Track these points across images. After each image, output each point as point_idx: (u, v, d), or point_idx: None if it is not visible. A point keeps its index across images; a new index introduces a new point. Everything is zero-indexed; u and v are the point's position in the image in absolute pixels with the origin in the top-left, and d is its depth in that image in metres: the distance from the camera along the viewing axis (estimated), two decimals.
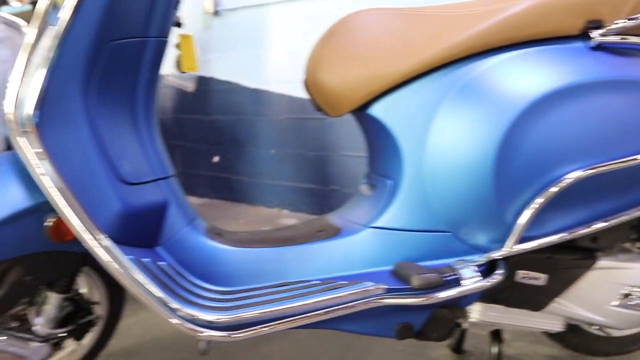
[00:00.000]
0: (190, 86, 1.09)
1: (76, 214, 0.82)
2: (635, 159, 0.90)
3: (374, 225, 1.00)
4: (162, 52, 0.99)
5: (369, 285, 0.92)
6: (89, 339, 1.13)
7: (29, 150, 0.79)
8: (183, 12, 3.01)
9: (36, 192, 0.87)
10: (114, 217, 0.87)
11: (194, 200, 3.13)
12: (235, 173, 3.01)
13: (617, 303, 1.02)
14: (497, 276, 0.92)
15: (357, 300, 0.91)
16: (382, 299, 0.91)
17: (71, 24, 0.79)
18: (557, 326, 1.05)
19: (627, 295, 1.02)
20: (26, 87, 0.78)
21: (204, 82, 3.05)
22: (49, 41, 0.78)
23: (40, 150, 0.80)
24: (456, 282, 0.91)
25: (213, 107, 3.04)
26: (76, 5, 0.78)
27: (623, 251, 1.05)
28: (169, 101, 3.27)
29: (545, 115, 0.89)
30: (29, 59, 0.78)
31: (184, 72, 1.05)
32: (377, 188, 1.05)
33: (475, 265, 0.93)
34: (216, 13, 2.90)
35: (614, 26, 0.91)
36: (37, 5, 0.78)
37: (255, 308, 0.89)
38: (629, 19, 0.91)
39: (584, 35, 0.93)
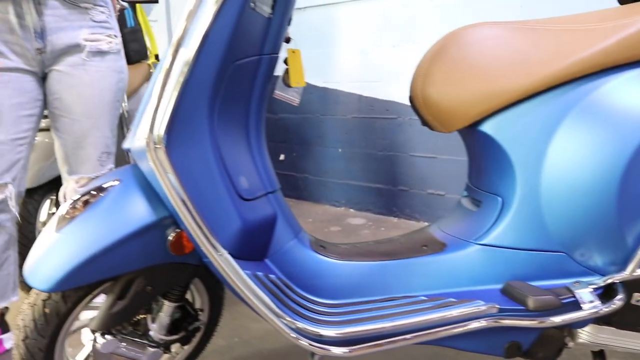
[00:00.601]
0: (297, 100, 1.10)
1: (201, 230, 0.85)
2: None
3: (482, 242, 0.99)
4: (273, 67, 1.00)
5: (481, 305, 0.91)
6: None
7: (159, 168, 0.83)
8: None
9: (159, 207, 0.90)
10: (234, 232, 0.90)
11: None
12: (300, 171, 3.04)
13: None
14: (618, 302, 0.88)
15: (470, 320, 0.90)
16: (496, 319, 0.90)
17: (201, 48, 0.82)
18: None
19: None
20: (160, 107, 0.82)
21: None
22: (180, 65, 0.81)
23: (170, 167, 0.83)
24: (574, 305, 0.89)
25: (280, 105, 3.07)
26: (207, 29, 0.81)
27: None
28: None
29: None
30: (164, 82, 0.81)
31: (292, 87, 1.07)
32: (484, 204, 1.03)
33: (593, 288, 0.91)
34: None
35: None
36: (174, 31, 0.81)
37: (369, 323, 0.90)
38: None
39: None
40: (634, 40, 0.87)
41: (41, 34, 1.22)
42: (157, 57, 2.73)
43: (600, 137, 0.87)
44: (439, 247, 1.04)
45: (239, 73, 0.91)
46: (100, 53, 1.30)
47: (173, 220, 0.91)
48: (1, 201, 1.21)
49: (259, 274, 0.93)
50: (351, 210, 2.84)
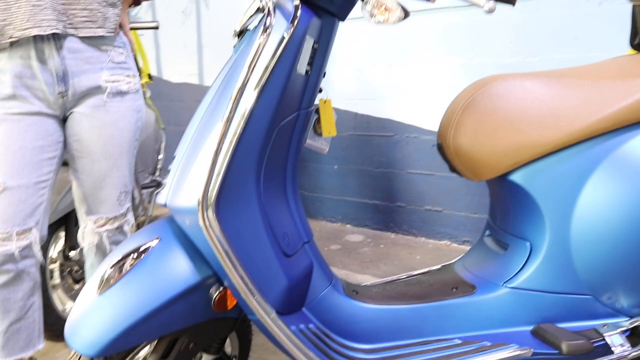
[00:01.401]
0: (326, 148, 1.12)
1: (250, 291, 0.86)
2: None
3: (512, 285, 1.03)
4: (308, 120, 1.02)
5: (517, 348, 0.95)
6: None
7: (210, 230, 0.84)
8: None
9: (202, 266, 0.91)
10: (280, 290, 0.91)
11: None
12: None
13: None
14: None
15: None
16: None
17: (252, 112, 0.83)
18: None
19: None
20: (212, 171, 0.83)
21: None
22: (233, 129, 0.83)
23: (220, 230, 0.84)
24: (604, 348, 0.94)
25: None
26: (259, 93, 0.83)
27: None
28: None
29: None
30: (219, 145, 0.82)
31: (323, 135, 1.09)
32: (511, 247, 1.07)
33: (621, 330, 0.96)
34: None
35: None
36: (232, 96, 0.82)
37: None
38: None
39: None
40: None
41: (63, 78, 1.21)
42: (149, 76, 2.71)
43: (628, 188, 0.92)
44: (469, 289, 1.07)
45: (281, 132, 0.93)
46: (120, 93, 1.30)
47: (216, 278, 0.92)
48: (26, 247, 1.19)
49: (302, 326, 0.95)
50: (348, 226, 2.87)
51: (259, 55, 0.83)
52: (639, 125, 0.93)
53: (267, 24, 0.83)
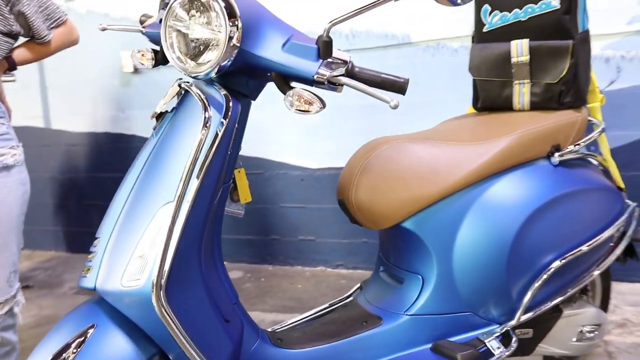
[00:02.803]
0: (242, 212, 1.20)
1: None
2: (591, 243, 1.27)
3: (411, 313, 1.23)
4: (227, 192, 1.10)
5: None
6: None
7: (163, 310, 0.87)
8: (96, 68, 2.91)
9: (146, 346, 0.93)
10: (228, 355, 0.98)
11: None
12: None
13: (575, 339, 1.40)
14: (515, 344, 1.22)
15: None
16: None
17: (196, 195, 0.90)
18: None
19: (581, 332, 1.40)
20: (165, 252, 0.87)
21: (123, 140, 2.98)
22: (184, 212, 0.88)
23: (170, 310, 0.88)
24: (487, 352, 1.19)
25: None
26: (202, 179, 0.89)
27: (576, 301, 1.43)
28: (83, 159, 3.11)
29: (535, 222, 1.20)
30: (170, 227, 0.87)
31: (240, 202, 1.17)
32: (406, 281, 1.27)
33: (495, 336, 1.22)
34: (136, 71, 2.86)
35: (567, 149, 1.28)
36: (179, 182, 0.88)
37: None
38: (575, 145, 1.29)
39: (548, 156, 1.28)
40: (502, 155, 1.21)
41: None
42: None
43: (492, 223, 1.19)
44: (376, 321, 1.25)
45: (214, 207, 1.00)
46: (6, 168, 1.22)
47: (160, 354, 0.95)
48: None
49: None
50: (225, 263, 2.90)
51: (201, 149, 0.89)
52: (492, 177, 1.21)
53: (207, 117, 0.91)
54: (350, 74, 0.97)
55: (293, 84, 1.00)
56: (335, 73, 0.95)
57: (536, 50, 1.29)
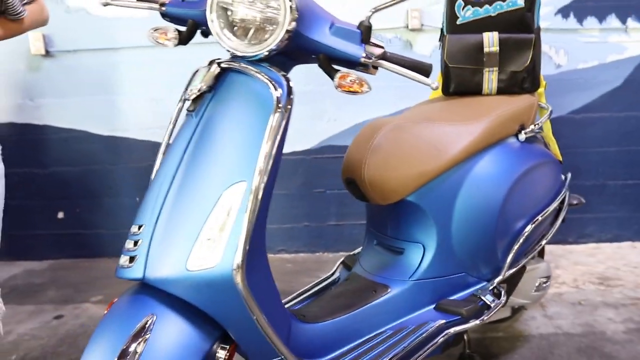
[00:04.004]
0: None
1: (277, 338, 0.95)
2: (550, 208, 1.52)
3: (415, 278, 1.36)
4: None
5: (437, 324, 1.29)
6: None
7: (245, 289, 0.89)
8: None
9: (210, 331, 0.93)
10: (286, 334, 1.02)
11: (34, 265, 2.74)
12: (90, 227, 2.77)
13: (534, 290, 1.65)
14: (504, 297, 1.41)
15: (439, 335, 1.27)
16: (450, 329, 1.29)
17: (269, 177, 0.91)
18: (507, 313, 1.62)
19: (538, 284, 1.65)
20: (249, 232, 0.88)
21: (33, 131, 2.68)
22: (259, 194, 0.89)
23: (248, 289, 0.90)
24: (484, 305, 1.36)
25: (50, 158, 2.71)
26: (275, 158, 0.92)
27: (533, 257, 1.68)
28: None
29: (515, 190, 1.40)
30: (252, 206, 0.88)
31: None
32: (408, 250, 1.39)
33: (487, 291, 1.40)
34: (48, 54, 2.59)
35: (529, 128, 1.50)
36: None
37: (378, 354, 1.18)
38: (534, 124, 1.52)
39: (516, 135, 1.49)
40: (487, 134, 1.38)
41: None
42: None
43: (484, 192, 1.36)
44: (384, 289, 1.35)
45: None
46: None
47: (221, 338, 0.95)
48: None
49: None
50: None
51: (273, 128, 0.91)
52: (480, 152, 1.38)
53: (278, 98, 0.92)
54: (386, 57, 1.05)
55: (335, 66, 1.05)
56: (378, 56, 1.02)
57: (504, 42, 1.48)
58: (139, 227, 0.97)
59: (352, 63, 1.03)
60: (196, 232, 0.91)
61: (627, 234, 2.69)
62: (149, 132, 2.66)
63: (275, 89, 0.93)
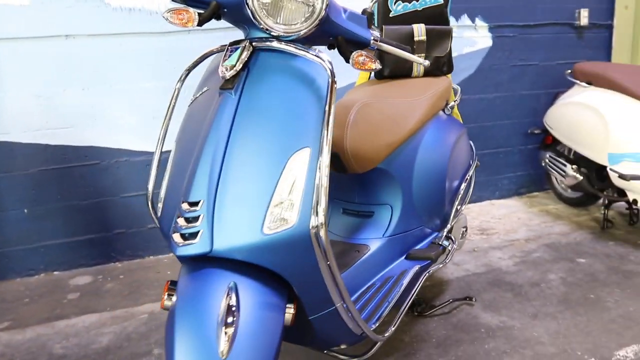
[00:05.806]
0: None
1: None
2: (472, 169, 1.86)
3: (388, 235, 1.57)
4: None
5: (414, 269, 1.52)
6: None
7: (327, 244, 0.98)
8: None
9: (281, 292, 1.01)
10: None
11: None
12: None
13: (460, 237, 1.98)
14: (456, 242, 1.69)
15: (420, 277, 1.49)
16: (426, 271, 1.53)
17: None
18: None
19: (462, 232, 1.99)
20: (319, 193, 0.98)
21: None
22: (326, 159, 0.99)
23: (329, 241, 1.00)
24: (444, 249, 1.63)
25: None
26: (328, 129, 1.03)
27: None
28: None
29: (453, 153, 1.70)
30: (321, 172, 0.97)
31: None
32: (377, 212, 1.59)
33: (444, 237, 1.67)
34: None
35: (451, 104, 1.82)
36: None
37: (380, 300, 1.35)
38: (454, 101, 1.85)
39: (443, 109, 1.79)
40: (431, 107, 1.65)
41: None
42: None
43: (434, 156, 1.63)
44: (364, 248, 1.54)
45: None
46: None
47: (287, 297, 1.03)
48: None
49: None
50: (61, 273, 2.52)
51: (328, 102, 1.01)
52: (428, 123, 1.64)
53: (330, 72, 1.02)
54: (383, 41, 1.23)
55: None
56: (380, 39, 1.19)
57: (430, 32, 1.77)
58: (192, 204, 0.98)
59: (362, 44, 1.18)
60: (267, 198, 0.97)
61: (485, 194, 3.29)
62: (37, 134, 2.39)
63: (329, 65, 1.03)
